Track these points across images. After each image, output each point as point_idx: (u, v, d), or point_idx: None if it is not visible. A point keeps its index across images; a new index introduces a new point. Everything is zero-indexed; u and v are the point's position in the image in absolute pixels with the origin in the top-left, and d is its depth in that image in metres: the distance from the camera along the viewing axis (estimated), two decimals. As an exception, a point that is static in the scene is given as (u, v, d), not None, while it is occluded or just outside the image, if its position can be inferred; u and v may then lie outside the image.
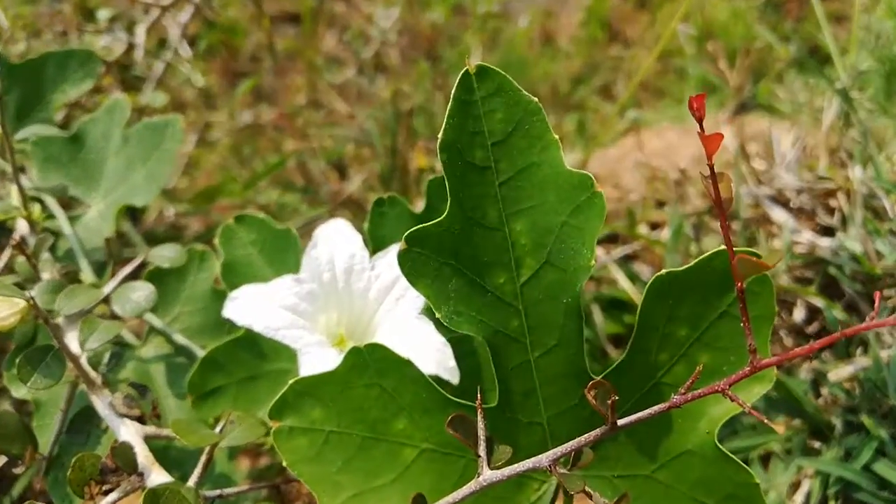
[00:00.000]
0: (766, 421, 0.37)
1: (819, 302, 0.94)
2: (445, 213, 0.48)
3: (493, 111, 0.48)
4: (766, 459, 0.87)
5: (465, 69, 0.48)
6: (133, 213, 1.25)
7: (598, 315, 1.09)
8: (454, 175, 0.48)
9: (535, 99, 0.48)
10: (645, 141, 1.52)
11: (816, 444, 0.86)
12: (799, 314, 0.97)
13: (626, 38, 2.54)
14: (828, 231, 1.02)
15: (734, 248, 0.44)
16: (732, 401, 0.40)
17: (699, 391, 0.42)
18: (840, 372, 0.85)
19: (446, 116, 0.48)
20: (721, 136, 0.37)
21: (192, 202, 1.29)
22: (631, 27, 2.58)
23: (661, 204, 1.37)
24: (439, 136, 0.48)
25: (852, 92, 1.05)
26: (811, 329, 0.96)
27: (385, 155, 1.35)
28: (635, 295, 1.08)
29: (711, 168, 0.38)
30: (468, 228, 0.49)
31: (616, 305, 1.12)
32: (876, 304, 0.37)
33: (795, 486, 0.85)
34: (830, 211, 1.03)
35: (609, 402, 0.42)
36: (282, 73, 1.81)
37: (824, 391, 0.88)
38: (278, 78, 1.77)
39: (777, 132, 1.15)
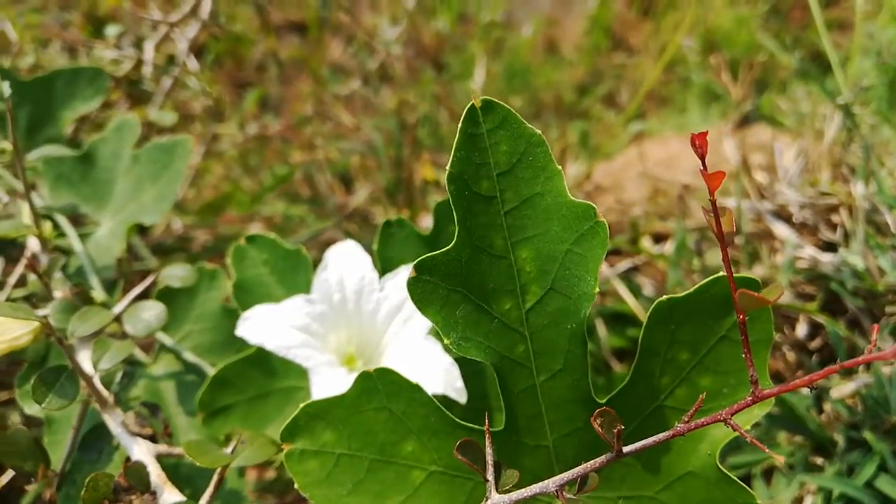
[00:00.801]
0: (767, 451, 0.38)
1: (821, 319, 0.95)
2: (453, 242, 0.49)
3: (498, 143, 0.49)
4: (768, 475, 0.88)
5: (471, 103, 0.49)
6: (141, 226, 1.26)
7: (601, 328, 1.09)
8: (461, 205, 0.49)
9: (538, 131, 0.49)
10: (648, 150, 1.53)
11: (819, 461, 0.87)
12: (801, 330, 0.98)
13: (629, 46, 2.55)
14: (830, 246, 1.03)
15: (734, 276, 0.45)
16: (734, 430, 0.42)
17: (702, 420, 0.43)
18: (842, 389, 0.86)
19: (454, 149, 0.49)
20: (723, 174, 0.38)
21: (200, 214, 1.31)
22: (634, 35, 2.59)
23: (663, 216, 1.38)
24: (447, 168, 0.49)
25: (854, 107, 1.06)
26: (814, 345, 0.97)
27: (390, 167, 1.36)
28: (638, 309, 1.09)
29: (714, 203, 0.39)
30: (475, 256, 0.50)
31: (619, 319, 1.13)
32: (873, 336, 0.37)
33: (798, 502, 0.85)
34: (833, 226, 1.04)
35: (615, 430, 0.43)
36: (287, 83, 1.82)
37: (827, 408, 0.89)
38: (284, 88, 1.79)
39: (780, 145, 1.16)
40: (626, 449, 0.44)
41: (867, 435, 0.83)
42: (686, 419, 0.43)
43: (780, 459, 0.38)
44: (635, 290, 1.12)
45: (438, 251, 0.49)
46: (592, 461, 0.46)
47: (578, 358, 0.51)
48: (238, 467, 0.72)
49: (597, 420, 0.44)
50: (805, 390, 0.90)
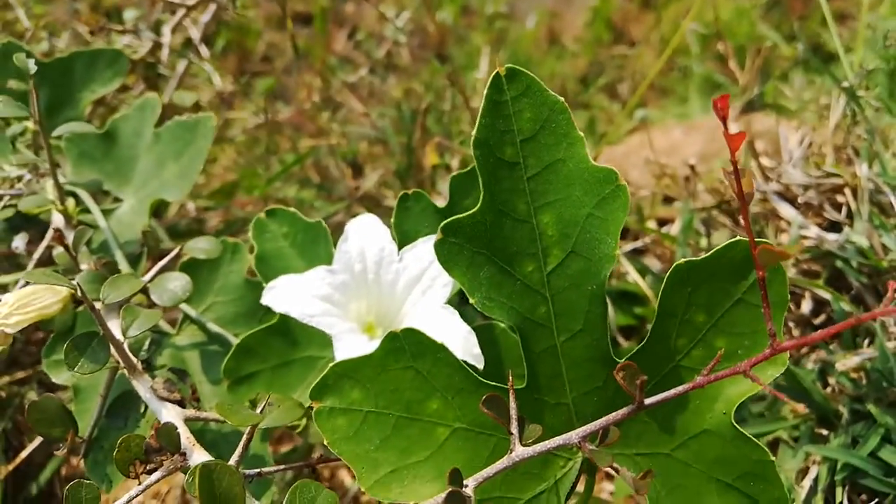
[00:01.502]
0: (784, 398, 0.40)
1: (826, 294, 0.97)
2: (478, 206, 0.51)
3: (522, 110, 0.51)
4: (774, 446, 0.90)
5: (495, 71, 0.51)
6: (156, 208, 1.28)
7: (609, 307, 1.11)
8: (486, 170, 0.51)
9: (561, 98, 0.51)
10: (651, 138, 1.55)
11: (824, 432, 0.89)
12: (806, 306, 1.00)
13: (631, 37, 2.57)
14: (835, 226, 1.05)
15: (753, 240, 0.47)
16: (753, 381, 0.43)
17: (721, 373, 0.45)
18: (847, 362, 0.88)
19: (479, 116, 0.51)
20: (744, 134, 0.40)
21: (212, 198, 1.32)
22: (636, 27, 2.60)
23: (668, 200, 1.40)
24: (473, 133, 0.51)
25: (859, 90, 1.08)
26: (818, 321, 0.99)
27: (400, 152, 1.38)
28: (645, 288, 1.11)
29: (735, 164, 0.41)
30: (499, 220, 0.52)
31: (626, 298, 1.15)
32: (889, 295, 0.39)
33: (803, 473, 0.87)
34: (837, 207, 1.06)
35: (638, 382, 0.45)
36: (296, 72, 1.84)
37: (831, 381, 0.91)
38: (291, 78, 1.80)
39: (784, 130, 1.17)
40: (647, 400, 0.46)
41: (871, 407, 0.84)
42: (706, 372, 0.45)
43: (799, 408, 0.40)
44: (643, 270, 1.14)
45: (464, 214, 0.51)
46: (615, 413, 0.48)
47: (598, 318, 0.53)
48: (262, 434, 0.73)
49: (619, 373, 0.46)
50: (811, 364, 0.92)
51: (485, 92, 0.51)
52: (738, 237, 0.52)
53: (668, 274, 0.53)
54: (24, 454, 1.03)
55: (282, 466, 0.63)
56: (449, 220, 0.51)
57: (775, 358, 0.54)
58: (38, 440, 1.02)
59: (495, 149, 0.51)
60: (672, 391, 0.46)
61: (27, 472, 1.11)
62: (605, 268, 0.52)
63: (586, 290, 0.53)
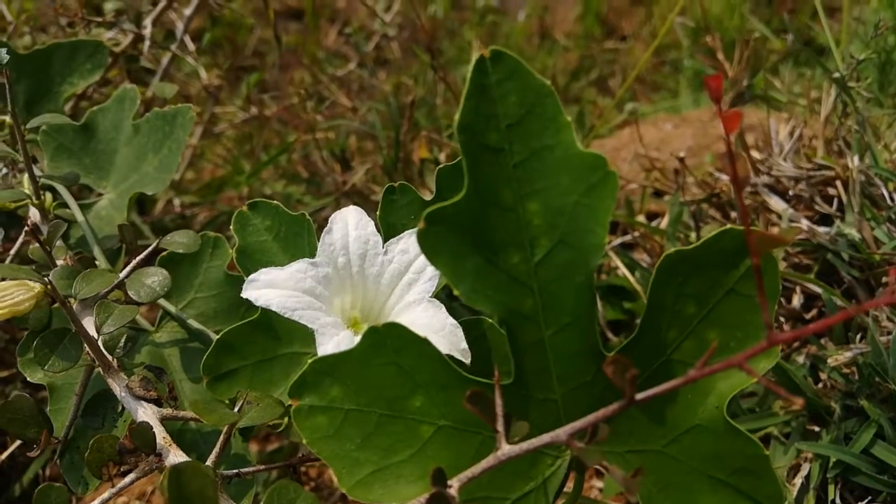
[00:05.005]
0: (780, 391, 0.39)
1: (818, 288, 0.95)
2: (462, 194, 0.49)
3: (507, 94, 0.50)
4: (765, 442, 0.89)
5: (479, 54, 0.49)
6: (141, 204, 1.26)
7: (598, 301, 1.10)
8: (470, 156, 0.49)
9: (548, 82, 0.50)
10: (642, 132, 1.53)
11: (816, 428, 0.88)
12: (797, 300, 0.98)
13: (622, 32, 2.56)
14: (826, 219, 1.04)
15: (742, 227, 0.46)
16: (749, 374, 0.42)
17: (715, 366, 0.43)
18: (839, 357, 0.86)
19: (462, 99, 0.49)
20: (740, 114, 0.38)
21: (199, 193, 1.30)
22: (627, 22, 2.60)
23: (658, 194, 1.38)
24: (456, 117, 0.49)
25: (849, 81, 1.07)
26: (810, 315, 0.98)
27: (388, 146, 1.36)
28: (634, 282, 1.10)
29: (729, 144, 0.39)
30: (484, 209, 0.50)
31: (615, 292, 1.13)
32: (890, 284, 0.38)
33: (795, 470, 0.86)
34: (828, 199, 1.05)
35: (628, 376, 0.43)
36: (285, 68, 1.82)
37: (823, 376, 0.90)
38: (282, 72, 1.79)
39: (774, 122, 1.16)
40: (639, 395, 0.45)
41: (864, 403, 0.83)
42: (699, 365, 0.44)
43: (798, 402, 0.38)
44: (632, 264, 1.13)
45: (448, 202, 0.49)
46: (604, 409, 0.46)
47: (587, 311, 0.52)
48: (242, 433, 0.72)
49: (610, 367, 0.44)
50: (802, 359, 0.91)
51: (468, 75, 0.49)
52: (729, 225, 0.50)
53: (657, 264, 0.51)
54: (5, 454, 1.01)
55: (261, 467, 0.61)
56: (432, 207, 0.49)
57: (768, 351, 0.52)
58: (21, 439, 1.00)
59: (479, 134, 0.50)
60: (664, 385, 0.45)
61: (10, 472, 1.09)
62: (593, 258, 0.51)
63: (574, 281, 0.51)
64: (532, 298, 0.52)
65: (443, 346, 0.63)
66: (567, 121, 0.50)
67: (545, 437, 0.47)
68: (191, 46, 1.28)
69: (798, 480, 0.85)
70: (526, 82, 0.49)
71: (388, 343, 0.52)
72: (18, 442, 1.00)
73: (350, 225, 0.68)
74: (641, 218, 1.30)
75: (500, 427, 0.48)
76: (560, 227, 0.51)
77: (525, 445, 0.47)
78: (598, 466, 0.92)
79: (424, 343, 0.52)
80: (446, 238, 0.49)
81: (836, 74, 1.05)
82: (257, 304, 0.62)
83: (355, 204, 1.31)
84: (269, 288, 0.63)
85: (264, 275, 0.64)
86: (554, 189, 0.50)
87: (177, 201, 1.33)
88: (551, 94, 0.49)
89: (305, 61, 1.74)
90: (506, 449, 0.47)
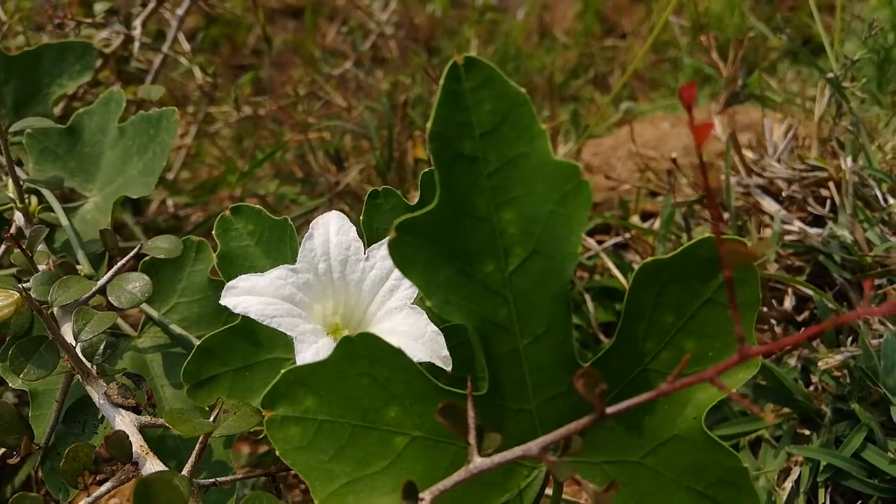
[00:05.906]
0: (755, 409, 0.38)
1: (809, 291, 0.94)
2: (434, 203, 0.49)
3: (482, 102, 0.49)
4: (755, 446, 0.88)
5: (452, 60, 0.48)
6: (135, 205, 1.26)
7: (589, 303, 1.09)
8: (443, 165, 0.49)
9: (523, 90, 0.49)
10: (639, 131, 1.52)
11: (806, 432, 0.87)
12: (789, 302, 0.98)
13: (621, 30, 2.54)
14: (818, 220, 1.03)
15: (722, 237, 0.45)
16: (720, 389, 0.41)
17: (687, 379, 0.43)
18: (830, 360, 0.86)
19: (435, 106, 0.48)
20: (711, 125, 0.37)
21: (193, 194, 1.30)
22: (626, 19, 2.58)
23: (653, 194, 1.38)
24: (428, 125, 0.48)
25: (844, 82, 1.06)
26: (801, 318, 0.97)
27: (382, 146, 1.36)
28: (626, 284, 1.09)
29: (700, 156, 0.39)
30: (457, 218, 0.50)
31: (608, 294, 1.13)
32: (866, 293, 0.37)
33: (785, 473, 0.85)
34: (821, 200, 1.04)
35: (597, 390, 0.42)
36: (281, 67, 1.82)
37: (814, 379, 0.89)
38: (278, 71, 1.78)
39: (769, 122, 1.15)
40: (609, 410, 0.44)
41: (855, 406, 0.82)
42: (671, 378, 0.43)
43: (769, 419, 0.38)
44: (624, 266, 1.12)
45: (419, 212, 0.49)
46: (576, 422, 0.45)
47: (562, 320, 0.51)
48: (226, 439, 0.71)
49: (579, 380, 0.44)
50: (793, 362, 0.90)
51: (441, 82, 0.48)
52: (708, 234, 0.50)
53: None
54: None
55: (240, 476, 0.61)
56: (402, 217, 0.48)
57: (748, 361, 0.52)
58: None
59: (453, 142, 0.49)
60: (636, 399, 0.44)
61: (1, 474, 1.09)
62: (568, 267, 0.50)
63: (550, 290, 0.51)
64: (507, 308, 0.51)
65: (424, 354, 0.62)
66: (542, 129, 0.49)
67: (517, 451, 0.46)
68: (186, 46, 1.28)
69: (788, 484, 0.84)
70: (500, 90, 0.49)
71: (362, 353, 0.52)
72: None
73: (331, 230, 0.67)
74: (636, 218, 1.30)
75: (472, 440, 0.47)
76: (535, 235, 0.50)
77: (497, 458, 0.47)
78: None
79: (399, 354, 0.52)
80: (419, 248, 0.49)
81: (830, 75, 1.04)
82: (236, 311, 0.61)
83: (349, 204, 1.31)
84: (248, 295, 0.63)
85: (243, 282, 0.64)
86: (529, 198, 0.50)
87: (170, 202, 1.33)
88: (526, 103, 0.49)
89: (301, 60, 1.73)
90: (477, 462, 0.47)
